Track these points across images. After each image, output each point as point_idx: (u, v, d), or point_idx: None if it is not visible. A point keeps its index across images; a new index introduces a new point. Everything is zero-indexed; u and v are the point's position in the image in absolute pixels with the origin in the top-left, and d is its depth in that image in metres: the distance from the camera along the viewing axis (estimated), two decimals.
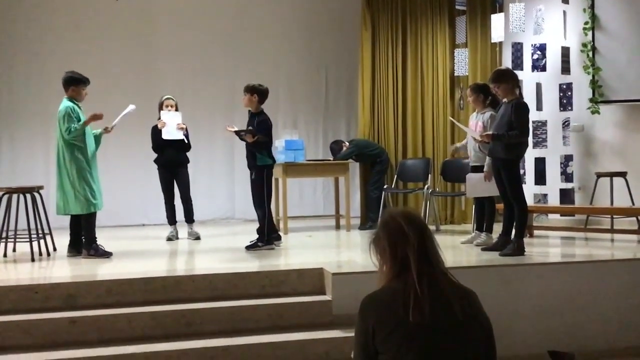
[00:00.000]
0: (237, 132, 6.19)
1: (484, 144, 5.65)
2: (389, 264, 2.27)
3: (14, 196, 5.82)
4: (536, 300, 4.76)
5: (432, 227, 7.32)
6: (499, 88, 5.39)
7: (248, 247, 6.09)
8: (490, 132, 5.39)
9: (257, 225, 6.23)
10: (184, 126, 6.98)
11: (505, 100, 5.40)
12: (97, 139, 6.05)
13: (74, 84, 5.87)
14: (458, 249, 6.06)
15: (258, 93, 6.16)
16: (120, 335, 4.19)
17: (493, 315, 2.34)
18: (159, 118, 6.96)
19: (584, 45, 7.60)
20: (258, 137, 6.02)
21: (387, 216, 2.37)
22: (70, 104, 5.77)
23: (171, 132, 6.89)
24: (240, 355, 4.08)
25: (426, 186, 7.60)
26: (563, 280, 4.87)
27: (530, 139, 7.75)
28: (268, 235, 6.14)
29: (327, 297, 4.61)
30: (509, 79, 5.38)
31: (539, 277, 4.86)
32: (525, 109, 5.31)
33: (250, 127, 6.16)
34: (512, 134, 5.22)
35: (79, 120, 5.74)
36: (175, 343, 4.12)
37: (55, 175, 5.85)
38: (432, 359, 2.10)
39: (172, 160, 6.97)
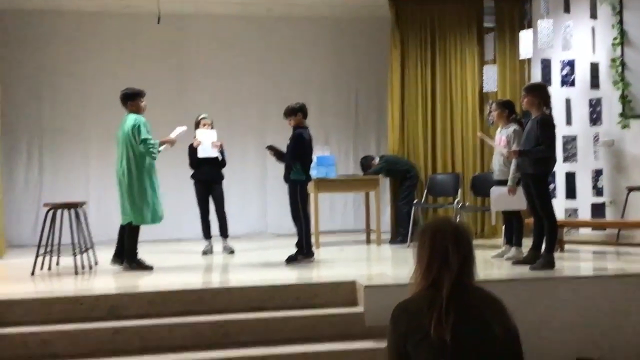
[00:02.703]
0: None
1: (507, 160, 5.75)
2: (420, 275, 2.30)
3: (58, 212, 6.08)
4: (566, 314, 4.81)
5: None
6: (526, 98, 5.50)
7: (287, 261, 6.22)
8: (517, 149, 5.49)
9: (289, 239, 6.38)
10: (219, 144, 7.19)
11: (532, 116, 5.51)
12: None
13: (131, 99, 6.11)
14: (489, 263, 6.12)
15: (300, 110, 6.40)
16: (161, 344, 4.36)
17: (523, 328, 2.36)
18: (195, 137, 7.19)
19: (613, 60, 7.62)
20: (271, 146, 6.46)
21: (437, 227, 2.33)
22: (140, 117, 6.03)
23: (206, 150, 7.11)
24: None
25: (456, 201, 7.67)
26: (593, 293, 4.91)
27: (560, 154, 7.81)
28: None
29: (360, 309, 4.72)
30: (537, 94, 5.47)
31: (569, 290, 4.91)
32: (549, 124, 5.39)
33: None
34: (538, 149, 5.31)
35: (149, 132, 6.00)
36: (213, 352, 4.28)
37: (126, 188, 6.01)
38: None
39: (207, 176, 7.18)
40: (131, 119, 6.02)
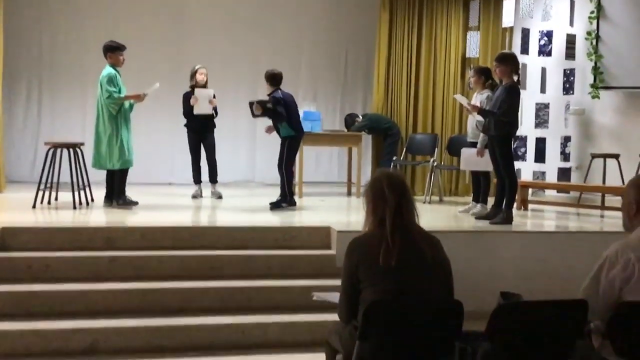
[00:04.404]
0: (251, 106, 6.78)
1: (480, 123, 6.21)
2: (370, 217, 2.88)
3: (58, 150, 6.49)
4: (517, 264, 5.33)
5: (435, 198, 7.94)
6: (498, 68, 5.92)
7: (272, 206, 6.70)
8: (477, 104, 6.02)
9: (275, 188, 6.85)
10: (215, 103, 7.53)
11: (503, 83, 5.95)
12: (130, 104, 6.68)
13: (111, 51, 6.47)
14: (455, 217, 6.64)
15: (275, 78, 6.79)
16: (152, 273, 4.86)
17: (478, 275, 2.88)
18: (190, 86, 7.52)
19: (589, 33, 8.03)
20: (257, 102, 6.66)
21: (374, 177, 2.95)
22: (112, 70, 6.40)
23: (202, 108, 7.46)
24: (255, 295, 4.75)
25: (432, 159, 8.15)
26: (544, 247, 5.43)
27: (532, 120, 8.30)
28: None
29: (332, 252, 5.25)
30: (509, 64, 5.90)
31: (522, 243, 5.44)
32: (514, 92, 5.81)
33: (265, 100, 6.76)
34: (495, 111, 5.78)
35: (118, 86, 6.37)
36: (199, 282, 4.80)
37: (94, 133, 6.50)
38: (400, 292, 2.69)
39: (200, 126, 7.57)
40: (105, 70, 6.42)
